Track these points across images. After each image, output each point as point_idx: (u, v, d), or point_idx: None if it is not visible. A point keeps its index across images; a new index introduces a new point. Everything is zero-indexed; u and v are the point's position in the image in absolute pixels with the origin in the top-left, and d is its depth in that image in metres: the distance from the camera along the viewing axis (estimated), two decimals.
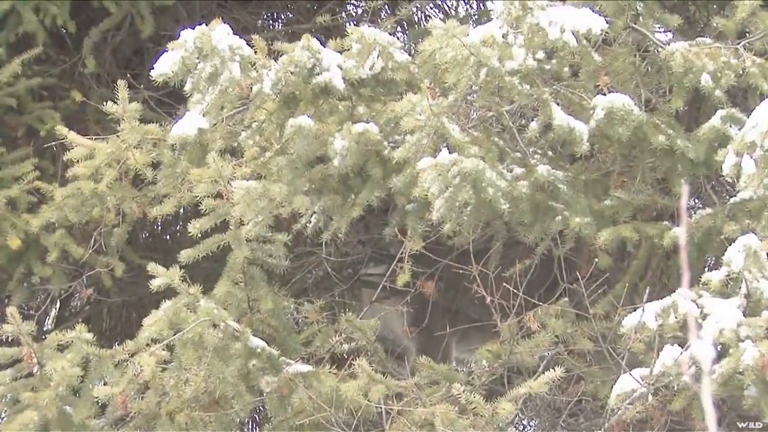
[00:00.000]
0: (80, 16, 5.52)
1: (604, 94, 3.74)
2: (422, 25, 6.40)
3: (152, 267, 3.93)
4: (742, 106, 3.99)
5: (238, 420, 4.18)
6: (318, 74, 3.85)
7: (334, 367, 4.12)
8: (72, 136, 4.52)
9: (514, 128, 3.95)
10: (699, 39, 3.94)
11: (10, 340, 4.18)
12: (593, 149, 3.93)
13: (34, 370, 3.99)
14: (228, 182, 3.99)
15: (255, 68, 3.91)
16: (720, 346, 3.39)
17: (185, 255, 4.14)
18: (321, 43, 3.95)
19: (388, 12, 6.29)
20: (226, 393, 3.88)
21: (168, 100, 5.38)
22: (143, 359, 3.77)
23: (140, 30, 5.42)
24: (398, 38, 5.28)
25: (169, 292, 3.92)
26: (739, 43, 3.90)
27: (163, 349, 3.85)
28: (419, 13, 6.61)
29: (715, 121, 3.74)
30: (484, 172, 3.50)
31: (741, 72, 3.75)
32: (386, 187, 3.89)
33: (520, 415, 5.10)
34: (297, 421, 3.97)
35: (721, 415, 4.27)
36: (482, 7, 6.92)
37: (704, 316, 3.46)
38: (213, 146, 4.07)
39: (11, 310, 4.07)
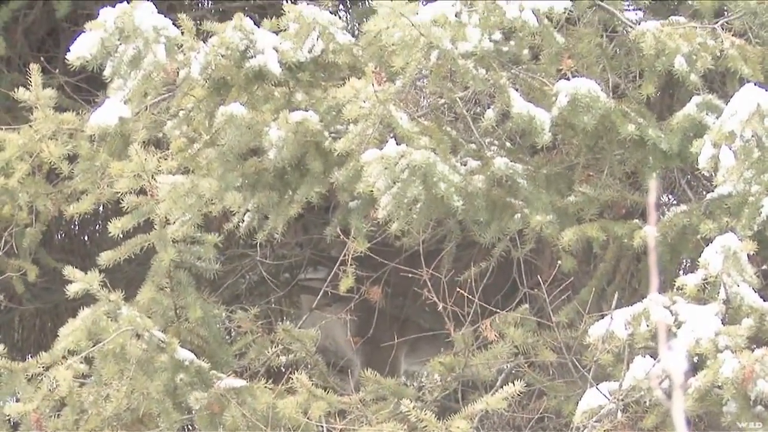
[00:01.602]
0: None
1: (568, 79, 3.62)
2: (367, 3, 6.25)
3: (69, 271, 3.76)
4: (720, 92, 3.89)
5: None
6: (251, 57, 3.72)
7: (270, 381, 3.94)
8: None
9: (469, 117, 3.85)
10: (672, 18, 3.81)
11: None
12: (556, 140, 3.82)
13: None
14: (152, 177, 3.82)
15: (182, 51, 3.76)
16: (697, 358, 3.29)
17: (105, 257, 3.96)
18: (255, 23, 3.81)
19: None
20: (151, 410, 3.72)
21: (86, 86, 5.23)
22: (59, 373, 3.61)
23: (55, 9, 5.34)
24: (340, 18, 5.23)
25: (88, 299, 3.77)
26: (716, 23, 3.79)
27: (81, 362, 3.68)
28: None
29: (690, 108, 3.64)
30: (436, 165, 3.39)
31: (718, 54, 3.64)
32: (327, 182, 3.76)
33: None
34: None
35: None
36: None
37: (679, 325, 3.34)
38: (136, 137, 3.89)
39: None
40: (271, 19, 3.90)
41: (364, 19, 4.03)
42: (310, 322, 4.75)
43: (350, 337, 4.88)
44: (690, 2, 3.98)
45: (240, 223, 4.01)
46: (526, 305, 4.21)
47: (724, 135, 3.40)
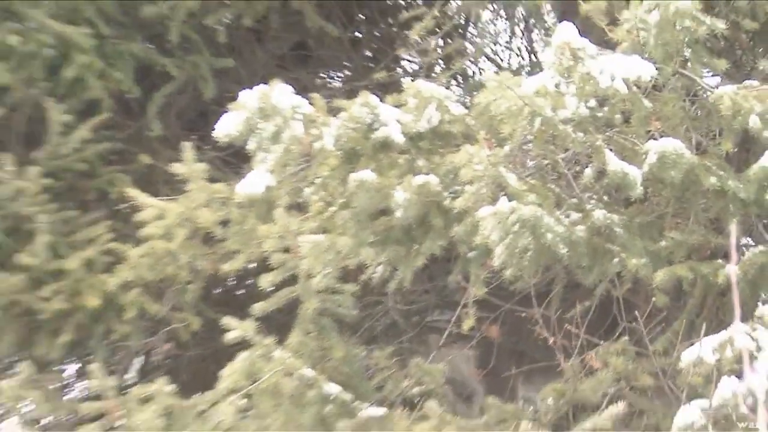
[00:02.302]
0: (144, 81, 5.70)
1: (656, 139, 3.72)
2: (476, 77, 6.59)
3: (227, 320, 4.07)
4: None
5: None
6: (377, 129, 3.89)
7: (406, 409, 4.18)
8: (143, 197, 4.70)
9: (570, 175, 3.95)
10: (747, 82, 3.91)
11: (94, 394, 4.26)
12: (647, 193, 3.90)
13: (119, 424, 4.06)
14: (295, 237, 4.11)
15: (316, 126, 3.95)
16: None
17: (258, 308, 4.29)
18: (379, 99, 3.96)
19: (443, 66, 6.39)
20: None
21: (233, 160, 5.57)
22: (223, 408, 3.92)
23: (203, 92, 5.65)
24: (453, 91, 5.38)
25: (244, 344, 4.02)
26: None
27: (242, 398, 3.96)
28: (473, 66, 6.70)
29: (765, 161, 3.73)
30: (542, 218, 3.49)
31: None
32: (448, 236, 3.90)
33: None
34: None
35: None
36: (534, 59, 6.98)
37: (760, 349, 3.50)
38: (279, 202, 4.15)
39: (94, 366, 4.18)
40: (393, 95, 4.07)
41: (475, 92, 4.10)
42: (438, 358, 4.89)
43: (473, 370, 5.11)
44: (762, 67, 4.15)
45: (374, 274, 4.27)
46: (626, 337, 4.43)
47: None
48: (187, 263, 4.66)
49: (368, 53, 7.50)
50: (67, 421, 5.16)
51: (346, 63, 7.11)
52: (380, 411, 4.10)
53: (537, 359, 5.48)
